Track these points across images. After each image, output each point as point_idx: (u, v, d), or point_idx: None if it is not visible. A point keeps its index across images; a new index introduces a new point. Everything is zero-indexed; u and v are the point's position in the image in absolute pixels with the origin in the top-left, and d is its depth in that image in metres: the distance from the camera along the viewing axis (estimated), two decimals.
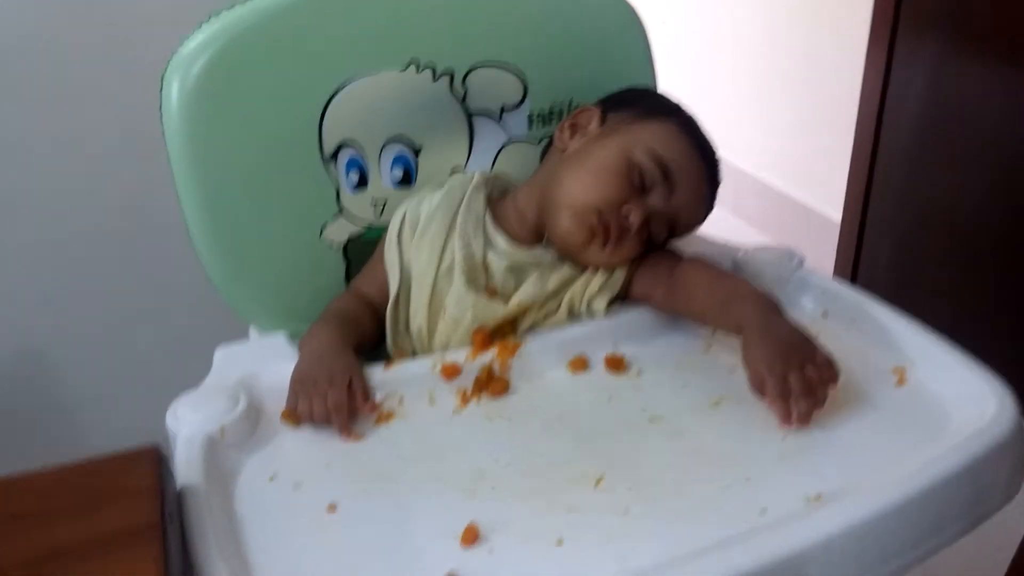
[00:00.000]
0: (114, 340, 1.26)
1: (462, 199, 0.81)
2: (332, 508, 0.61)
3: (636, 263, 0.81)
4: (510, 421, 0.70)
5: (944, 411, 0.66)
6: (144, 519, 0.52)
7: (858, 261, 1.85)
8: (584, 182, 0.77)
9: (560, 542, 0.56)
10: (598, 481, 0.62)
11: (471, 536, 0.57)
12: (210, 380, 0.74)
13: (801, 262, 0.86)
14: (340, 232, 0.85)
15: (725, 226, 2.24)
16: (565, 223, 0.77)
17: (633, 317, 0.80)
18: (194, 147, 0.78)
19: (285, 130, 0.81)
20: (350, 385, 0.70)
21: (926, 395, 0.68)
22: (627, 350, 0.78)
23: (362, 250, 0.86)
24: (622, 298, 0.82)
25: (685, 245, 0.88)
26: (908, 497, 0.56)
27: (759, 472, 0.61)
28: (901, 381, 0.70)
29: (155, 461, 0.57)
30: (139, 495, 0.54)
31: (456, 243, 0.79)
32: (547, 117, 0.91)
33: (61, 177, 1.13)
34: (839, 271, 1.90)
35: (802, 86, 1.98)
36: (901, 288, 1.74)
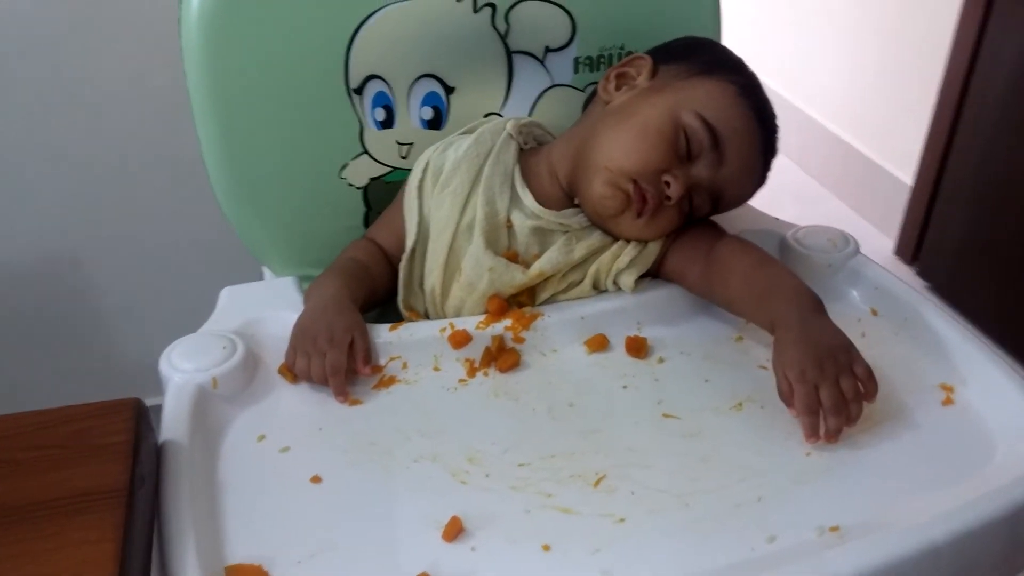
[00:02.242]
0: (147, 250, 1.24)
1: (491, 149, 0.75)
2: (317, 479, 0.58)
3: (673, 237, 0.74)
4: (516, 401, 0.66)
5: (991, 442, 0.60)
6: (111, 482, 0.50)
7: (925, 229, 1.75)
8: (623, 143, 0.70)
9: (547, 547, 0.53)
10: (599, 480, 0.58)
11: (454, 530, 0.53)
12: (210, 324, 0.71)
13: (856, 249, 0.78)
14: (361, 172, 0.80)
15: (787, 178, 2.13)
16: (598, 188, 0.71)
17: (662, 296, 0.74)
18: (212, 67, 0.74)
19: (309, 56, 0.75)
20: (352, 345, 0.66)
21: (973, 420, 0.62)
22: (651, 332, 0.72)
23: (383, 194, 0.81)
24: (654, 274, 0.76)
25: (731, 218, 0.81)
26: (936, 544, 0.51)
27: (774, 492, 0.56)
28: (948, 401, 0.64)
29: (133, 416, 0.54)
30: (110, 454, 0.51)
31: (479, 199, 0.73)
32: (594, 63, 0.83)
33: (100, 80, 1.09)
34: (904, 238, 1.80)
35: (889, 38, 1.83)
36: (966, 263, 1.64)
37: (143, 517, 0.51)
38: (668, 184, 0.69)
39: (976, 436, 0.60)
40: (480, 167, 0.74)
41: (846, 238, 0.79)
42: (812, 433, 0.59)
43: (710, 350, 0.71)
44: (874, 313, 0.74)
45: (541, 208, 0.73)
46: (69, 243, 1.21)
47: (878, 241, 1.87)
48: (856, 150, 1.98)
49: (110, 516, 0.47)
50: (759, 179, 0.74)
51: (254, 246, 0.82)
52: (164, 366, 0.65)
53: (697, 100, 0.70)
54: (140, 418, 0.55)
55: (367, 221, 0.83)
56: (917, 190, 1.75)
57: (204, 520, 0.54)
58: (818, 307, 0.64)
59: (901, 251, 1.81)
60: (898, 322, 0.71)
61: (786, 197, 2.04)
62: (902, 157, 1.82)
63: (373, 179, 0.81)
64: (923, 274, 1.74)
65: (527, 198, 0.73)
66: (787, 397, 0.60)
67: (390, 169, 0.81)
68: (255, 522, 0.55)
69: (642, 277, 0.75)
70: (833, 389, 0.58)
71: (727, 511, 0.55)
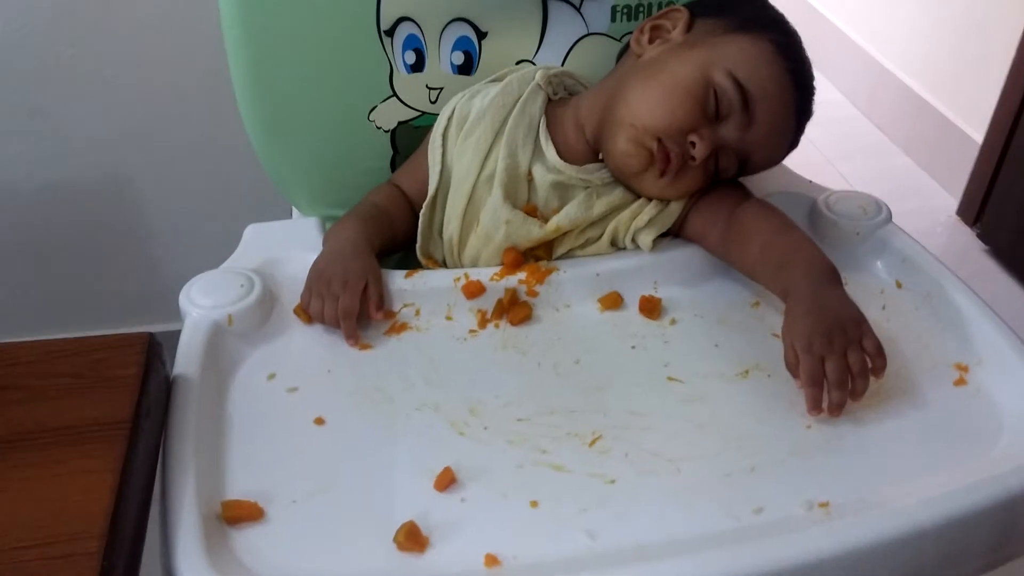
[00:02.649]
0: (200, 172, 1.26)
1: (518, 99, 0.74)
2: (320, 421, 0.60)
3: (696, 197, 0.73)
4: (524, 355, 0.66)
5: (998, 427, 0.58)
6: (117, 414, 0.52)
7: (991, 190, 1.68)
8: (650, 100, 0.68)
9: (535, 504, 0.54)
10: (594, 440, 0.58)
11: (446, 481, 0.55)
12: (232, 260, 0.73)
13: (888, 217, 0.76)
14: (389, 116, 0.80)
15: (854, 128, 2.05)
16: (621, 144, 0.69)
17: (681, 256, 0.73)
18: (243, 2, 0.74)
19: None
20: (366, 290, 0.67)
21: (983, 403, 0.60)
22: (667, 293, 0.72)
23: (411, 138, 0.81)
24: (675, 234, 0.74)
25: (763, 179, 0.79)
26: (922, 528, 0.50)
27: (768, 462, 0.56)
28: (960, 381, 0.62)
29: (144, 350, 0.56)
30: (119, 386, 0.54)
31: (502, 150, 0.72)
32: (633, 11, 0.81)
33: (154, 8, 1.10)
34: (968, 199, 1.73)
35: None
36: None
37: (147, 448, 0.53)
38: (693, 144, 0.67)
39: (984, 420, 0.59)
40: (505, 118, 0.73)
41: (878, 205, 0.76)
42: (814, 406, 0.58)
43: (724, 314, 0.70)
44: (899, 285, 0.71)
45: (563, 163, 0.72)
46: (119, 165, 1.23)
47: (942, 200, 1.80)
48: (928, 103, 1.89)
49: (113, 448, 0.49)
50: (791, 142, 0.72)
51: (281, 184, 0.83)
52: (183, 301, 0.67)
53: (730, 58, 0.67)
54: (152, 352, 0.57)
55: (394, 165, 0.83)
56: (985, 149, 1.67)
57: (207, 454, 0.56)
58: (833, 278, 0.62)
59: (964, 212, 1.74)
60: (921, 296, 0.69)
61: (853, 147, 1.97)
62: (975, 114, 1.74)
63: (401, 123, 0.81)
64: (984, 236, 1.68)
65: (549, 152, 0.72)
66: (793, 368, 0.59)
67: (419, 113, 0.81)
68: (257, 459, 0.57)
69: (663, 236, 0.74)
70: (839, 362, 0.57)
71: (718, 479, 0.55)
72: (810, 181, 0.83)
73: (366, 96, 0.79)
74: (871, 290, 0.72)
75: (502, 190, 0.71)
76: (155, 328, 0.61)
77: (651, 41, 0.72)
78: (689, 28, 0.72)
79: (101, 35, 1.10)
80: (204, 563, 0.48)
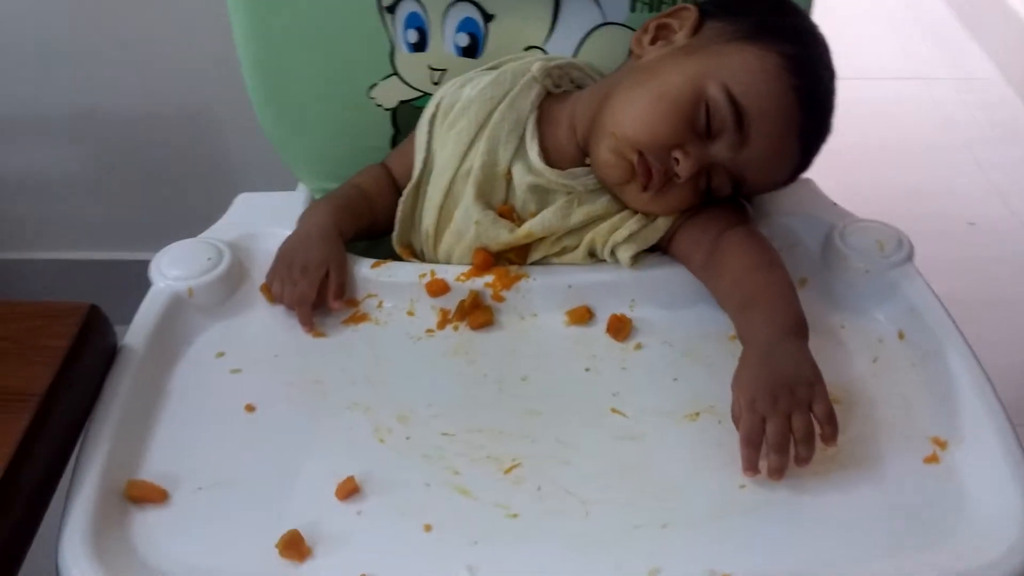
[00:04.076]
0: None
1: (509, 92, 0.70)
2: (251, 408, 0.60)
3: (688, 215, 0.68)
4: (472, 364, 0.64)
5: (958, 517, 0.52)
6: (32, 386, 0.53)
7: None
8: (635, 110, 0.63)
9: (428, 528, 0.52)
10: (511, 468, 0.56)
11: (347, 490, 0.54)
12: (212, 230, 0.74)
13: (907, 256, 0.68)
14: (391, 94, 0.78)
15: (1002, 110, 1.86)
16: (602, 153, 0.65)
17: (663, 276, 0.69)
18: None
19: None
20: (328, 277, 0.66)
21: (951, 488, 0.54)
22: (643, 313, 0.68)
23: (412, 118, 0.78)
24: (663, 250, 0.70)
25: (781, 196, 0.73)
26: None
27: (685, 519, 0.53)
28: (933, 458, 0.56)
29: (79, 321, 0.57)
30: (41, 357, 0.55)
31: (482, 145, 0.69)
32: (655, 1, 0.75)
33: None
34: None
35: None
36: None
37: (66, 421, 0.54)
38: (677, 161, 0.62)
39: (945, 508, 0.53)
40: (491, 111, 0.70)
41: (900, 242, 0.69)
42: (749, 467, 0.54)
43: (695, 345, 0.65)
44: (900, 336, 0.65)
45: (542, 165, 0.68)
46: (203, 95, 1.26)
47: None
48: None
49: (16, 421, 0.50)
50: (794, 166, 0.65)
51: (285, 155, 0.83)
52: (152, 269, 0.68)
53: (728, 69, 0.62)
54: (90, 322, 0.58)
55: (394, 144, 0.81)
56: None
57: (132, 429, 0.57)
58: (796, 330, 0.57)
59: None
60: (920, 353, 0.63)
61: (1000, 133, 1.79)
62: None
63: (403, 102, 0.79)
64: None
65: (532, 151, 0.68)
66: (736, 421, 0.55)
67: (421, 94, 0.78)
68: (179, 440, 0.58)
69: (650, 251, 0.69)
70: (781, 425, 0.53)
71: (624, 530, 0.52)
72: (835, 204, 0.76)
73: (366, 72, 0.77)
74: (868, 337, 0.65)
75: (475, 188, 0.68)
76: None
77: (653, 41, 0.67)
78: (696, 30, 0.66)
79: None
80: (86, 538, 0.49)
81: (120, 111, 1.23)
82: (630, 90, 0.65)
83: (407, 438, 0.58)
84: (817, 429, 0.54)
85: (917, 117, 1.81)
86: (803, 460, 0.53)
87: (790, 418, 0.53)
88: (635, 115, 0.63)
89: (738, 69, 0.62)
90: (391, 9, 0.74)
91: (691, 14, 0.66)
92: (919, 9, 2.21)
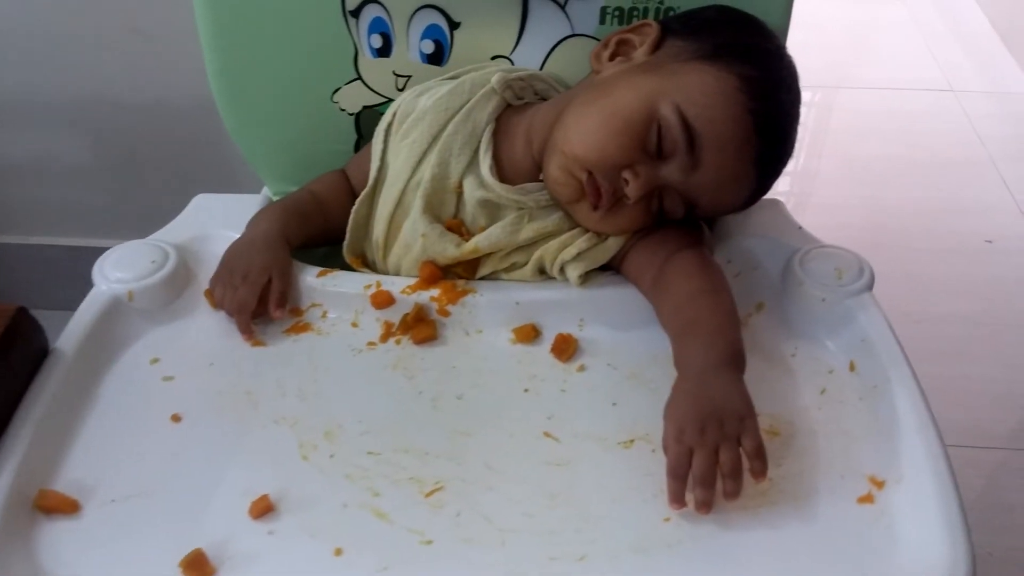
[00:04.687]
0: None
1: (466, 103, 0.68)
2: (176, 418, 0.59)
3: (640, 234, 0.66)
4: (410, 380, 0.63)
5: (887, 562, 0.50)
6: None
7: None
8: (585, 127, 0.62)
9: (339, 552, 0.51)
10: (433, 491, 0.55)
11: (260, 508, 0.53)
12: (164, 231, 0.73)
13: (867, 285, 0.66)
14: (354, 99, 0.77)
15: (1022, 111, 1.81)
16: (552, 170, 0.63)
17: (613, 296, 0.67)
18: None
19: None
20: (270, 284, 0.65)
21: (882, 530, 0.52)
22: (591, 333, 0.66)
23: (376, 124, 0.77)
24: (616, 269, 0.68)
25: (748, 216, 0.71)
26: None
27: (603, 552, 0.51)
28: (867, 498, 0.54)
29: (5, 324, 0.57)
30: None
31: (433, 157, 0.68)
32: (626, 15, 0.73)
33: None
34: None
35: None
36: None
37: None
38: (627, 181, 0.61)
39: (873, 551, 0.51)
40: (446, 122, 0.68)
41: (860, 269, 0.67)
42: (675, 499, 0.52)
43: (641, 368, 0.64)
44: (852, 368, 0.63)
45: (493, 179, 0.66)
46: (205, 89, 1.25)
47: None
48: None
49: None
50: (750, 190, 0.63)
51: (250, 157, 0.82)
52: (96, 271, 0.67)
53: (683, 90, 0.60)
54: (17, 326, 0.57)
55: (358, 149, 0.80)
56: None
57: (52, 436, 0.57)
58: (731, 361, 0.55)
59: None
60: (868, 387, 0.61)
61: (1012, 131, 1.76)
62: None
63: (367, 107, 0.78)
64: None
65: (484, 165, 0.67)
66: (668, 452, 0.53)
67: (385, 100, 0.77)
68: (99, 448, 0.57)
69: (603, 270, 0.68)
70: (708, 458, 0.51)
71: (539, 562, 0.51)
72: (799, 227, 0.74)
73: (329, 77, 0.76)
74: (819, 368, 0.63)
75: (423, 201, 0.67)
76: None
77: (612, 57, 0.65)
78: (656, 48, 0.64)
79: None
80: None
81: (124, 100, 1.23)
82: (582, 107, 0.63)
83: (331, 456, 0.57)
84: (746, 463, 0.52)
85: (946, 129, 1.77)
86: (730, 495, 0.52)
87: (718, 451, 0.51)
88: (585, 133, 0.61)
89: (693, 90, 0.60)
90: (355, 13, 0.73)
91: (652, 30, 0.64)
92: (958, 21, 2.18)
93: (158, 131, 1.27)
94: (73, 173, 1.33)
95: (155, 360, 0.64)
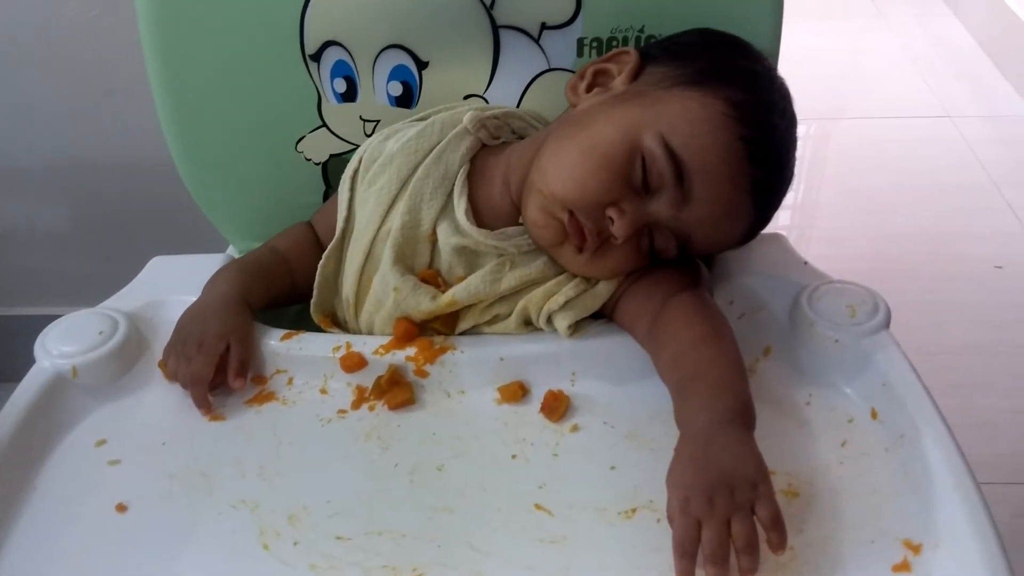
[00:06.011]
0: None
1: (436, 145, 0.63)
2: (122, 508, 0.53)
3: (633, 278, 0.60)
4: (385, 450, 0.57)
5: None
6: None
7: None
8: (563, 164, 0.57)
9: None
10: None
11: None
12: (116, 298, 0.67)
13: (883, 323, 0.60)
14: (320, 147, 0.72)
15: (1020, 135, 1.76)
16: (531, 212, 0.58)
17: (607, 347, 0.61)
18: (160, 16, 0.67)
19: (262, 14, 0.68)
20: (229, 352, 0.60)
21: None
22: (585, 388, 0.60)
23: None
24: (609, 317, 0.62)
25: (748, 252, 0.66)
26: None
27: None
28: (904, 566, 0.47)
29: None
30: None
31: (403, 204, 0.62)
32: (604, 46, 0.68)
33: None
34: None
35: None
36: None
37: None
38: (612, 220, 0.55)
39: None
40: (416, 165, 0.63)
41: (875, 306, 0.61)
42: None
43: (641, 426, 0.57)
44: (873, 416, 0.56)
45: (469, 225, 0.61)
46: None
47: None
48: None
49: None
50: (749, 224, 0.58)
51: (212, 215, 0.77)
52: (37, 346, 0.61)
53: (667, 119, 0.55)
54: None
55: (327, 199, 0.75)
56: None
57: None
58: (739, 415, 0.49)
59: None
60: (895, 436, 0.54)
61: (1012, 155, 1.71)
62: None
63: (334, 156, 0.73)
64: None
65: (459, 209, 0.62)
66: (673, 523, 0.47)
67: (353, 147, 0.72)
68: (34, 546, 0.51)
69: (594, 318, 0.62)
70: (719, 532, 0.45)
71: None
72: (805, 262, 0.68)
73: (292, 125, 0.71)
74: (838, 417, 0.57)
75: (394, 252, 0.61)
76: None
77: (590, 88, 0.61)
78: (636, 76, 0.59)
79: None
80: None
81: (101, 163, 1.19)
82: (559, 142, 0.58)
83: (295, 543, 0.51)
84: (762, 535, 0.45)
85: (946, 156, 1.74)
86: (747, 572, 0.45)
87: (730, 523, 0.45)
88: (563, 170, 0.56)
89: (678, 118, 0.55)
90: (315, 57, 0.68)
91: (631, 58, 0.60)
92: (948, 47, 2.16)
93: (132, 194, 1.23)
94: (48, 240, 1.29)
95: (101, 442, 0.58)
